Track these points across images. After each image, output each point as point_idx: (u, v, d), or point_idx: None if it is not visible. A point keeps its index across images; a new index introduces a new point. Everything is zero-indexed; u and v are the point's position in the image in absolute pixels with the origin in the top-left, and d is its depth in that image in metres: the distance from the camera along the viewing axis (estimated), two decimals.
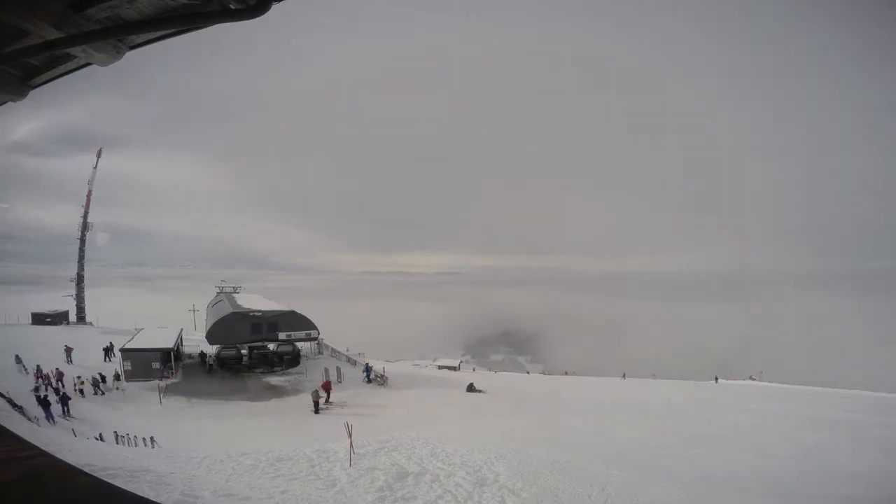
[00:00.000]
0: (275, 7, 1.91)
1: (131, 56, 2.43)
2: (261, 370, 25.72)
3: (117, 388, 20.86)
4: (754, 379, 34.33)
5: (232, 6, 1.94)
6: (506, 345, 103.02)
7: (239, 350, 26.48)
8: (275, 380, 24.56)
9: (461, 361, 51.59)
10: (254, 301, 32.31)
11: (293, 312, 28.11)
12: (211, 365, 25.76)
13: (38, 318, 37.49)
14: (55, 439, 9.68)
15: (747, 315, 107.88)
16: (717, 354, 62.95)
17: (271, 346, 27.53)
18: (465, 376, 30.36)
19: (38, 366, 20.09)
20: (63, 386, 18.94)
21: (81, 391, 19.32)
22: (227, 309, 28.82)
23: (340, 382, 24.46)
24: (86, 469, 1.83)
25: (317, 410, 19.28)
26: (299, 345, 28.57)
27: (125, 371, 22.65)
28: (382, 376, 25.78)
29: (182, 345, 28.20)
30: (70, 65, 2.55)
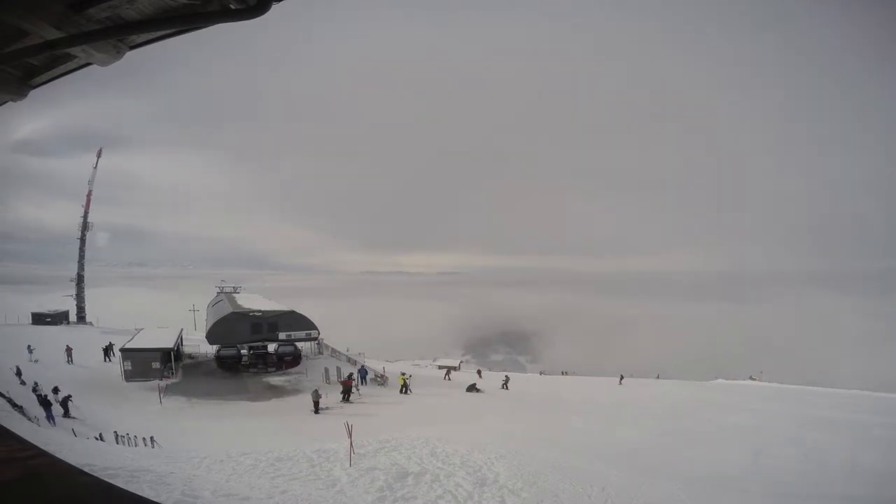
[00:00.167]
0: (275, 7, 1.91)
1: (131, 56, 2.43)
2: (255, 370, 25.71)
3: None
4: (754, 379, 34.30)
5: (232, 6, 1.94)
6: (506, 345, 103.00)
7: (239, 350, 26.50)
8: (275, 380, 24.57)
9: (461, 361, 51.58)
10: (254, 301, 32.34)
11: (293, 312, 28.12)
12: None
13: (38, 318, 37.51)
14: (55, 439, 9.68)
15: (747, 315, 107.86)
16: (717, 354, 62.91)
17: (271, 346, 27.56)
18: (465, 376, 30.35)
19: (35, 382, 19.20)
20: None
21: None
22: (227, 309, 28.84)
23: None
24: (86, 469, 1.83)
25: (317, 410, 19.18)
26: (299, 345, 28.58)
27: (125, 371, 22.67)
28: (382, 376, 25.78)
29: (182, 345, 28.22)
30: (70, 65, 2.55)
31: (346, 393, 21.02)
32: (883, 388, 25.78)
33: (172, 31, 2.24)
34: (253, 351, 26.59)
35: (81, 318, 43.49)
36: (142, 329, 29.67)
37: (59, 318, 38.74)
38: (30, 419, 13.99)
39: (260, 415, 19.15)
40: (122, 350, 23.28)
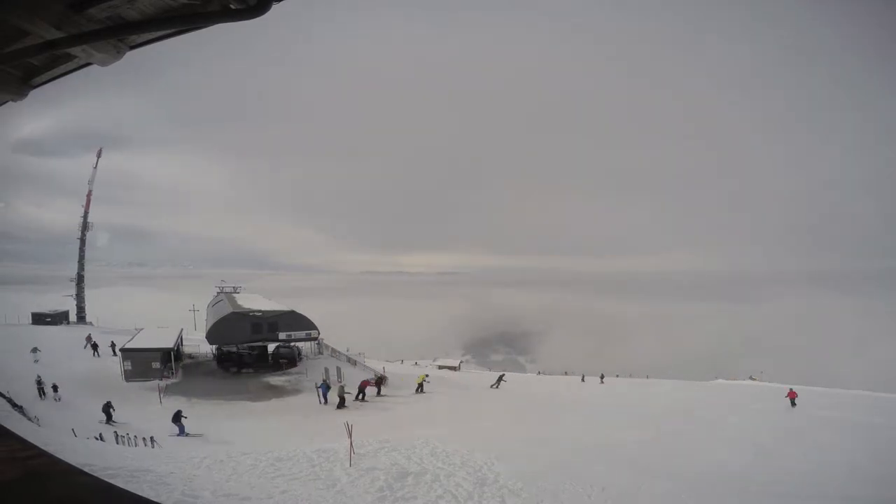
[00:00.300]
0: (275, 7, 1.92)
1: (131, 56, 2.44)
2: (251, 370, 25.73)
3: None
4: (754, 379, 34.35)
5: (232, 6, 1.95)
6: (506, 345, 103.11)
7: (238, 350, 26.50)
8: (275, 380, 24.56)
9: (461, 361, 51.60)
10: (254, 301, 32.34)
11: (293, 312, 28.12)
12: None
13: (38, 318, 37.52)
14: (55, 439, 9.69)
15: (747, 315, 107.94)
16: (717, 354, 62.94)
17: (270, 347, 27.56)
18: (465, 376, 30.35)
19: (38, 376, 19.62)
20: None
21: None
22: (227, 309, 28.84)
23: (341, 382, 24.46)
24: (86, 469, 1.83)
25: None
26: (299, 344, 28.58)
27: (125, 371, 22.68)
28: (382, 376, 25.79)
29: (182, 345, 28.22)
30: (70, 65, 2.55)
31: (361, 392, 21.38)
32: (883, 388, 25.79)
33: (172, 31, 2.24)
34: (250, 351, 26.58)
35: (81, 318, 43.52)
36: (142, 329, 29.68)
37: (59, 318, 38.74)
38: (30, 419, 14.00)
39: (260, 415, 19.15)
40: (122, 350, 23.28)
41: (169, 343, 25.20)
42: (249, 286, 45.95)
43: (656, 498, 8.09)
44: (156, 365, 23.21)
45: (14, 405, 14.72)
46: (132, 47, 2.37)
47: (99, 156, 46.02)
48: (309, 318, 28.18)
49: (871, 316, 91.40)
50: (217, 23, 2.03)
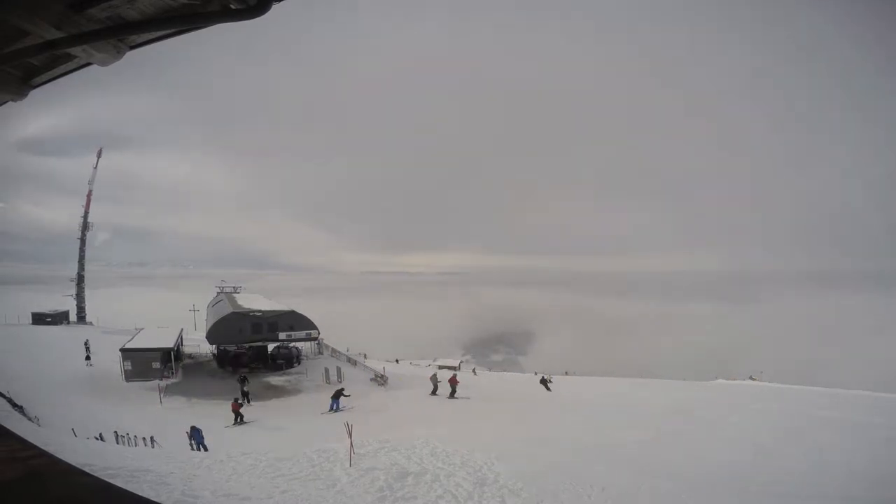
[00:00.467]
0: (275, 7, 1.92)
1: (131, 56, 2.44)
2: (247, 370, 25.74)
3: None
4: (754, 379, 34.30)
5: (232, 6, 1.95)
6: (506, 345, 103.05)
7: (236, 349, 26.50)
8: (275, 380, 24.57)
9: (461, 361, 51.57)
10: (254, 301, 32.36)
11: (293, 312, 28.14)
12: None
13: (38, 318, 37.54)
14: (55, 439, 9.68)
15: (747, 315, 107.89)
16: (717, 354, 62.91)
17: (270, 347, 27.56)
18: (464, 376, 30.32)
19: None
20: None
21: None
22: (227, 309, 28.85)
23: (340, 383, 24.47)
24: (86, 469, 1.83)
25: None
26: (299, 344, 28.58)
27: (125, 371, 22.67)
28: (382, 376, 25.79)
29: (182, 345, 28.22)
30: (70, 65, 2.56)
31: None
32: (883, 388, 25.77)
33: (172, 31, 2.25)
34: (245, 350, 26.56)
35: (81, 318, 43.55)
36: (142, 329, 29.69)
37: (59, 318, 38.76)
38: (30, 419, 13.99)
39: (260, 415, 19.15)
40: (122, 350, 23.29)
41: (169, 343, 25.21)
42: (249, 286, 46.00)
43: (656, 498, 8.08)
44: (156, 365, 23.21)
45: (14, 405, 14.71)
46: (132, 47, 2.37)
47: (99, 156, 46.10)
48: (309, 318, 28.19)
49: (871, 316, 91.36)
50: (217, 23, 2.03)
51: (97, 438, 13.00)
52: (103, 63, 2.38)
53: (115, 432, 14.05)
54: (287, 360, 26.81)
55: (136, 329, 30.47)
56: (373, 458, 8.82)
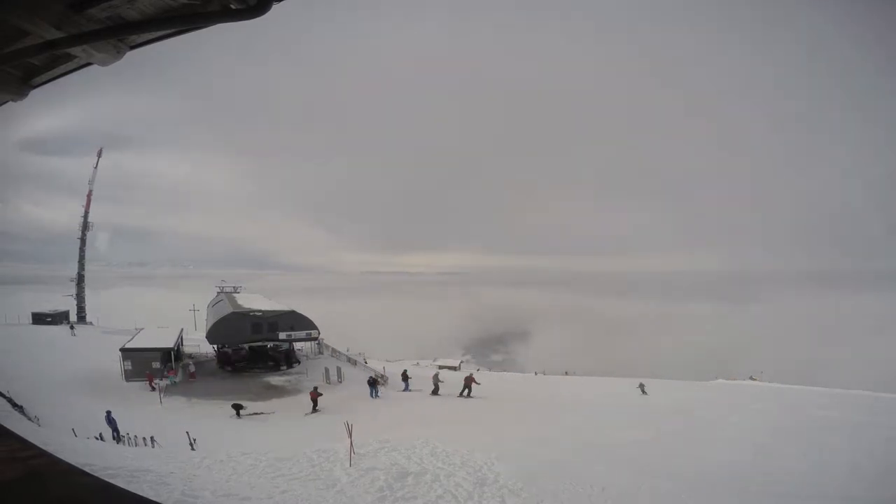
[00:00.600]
0: (275, 7, 1.92)
1: (132, 56, 2.44)
2: (245, 369, 25.71)
3: None
4: (754, 379, 34.31)
5: (232, 6, 1.95)
6: (506, 345, 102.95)
7: (233, 349, 26.48)
8: (275, 380, 24.57)
9: (461, 361, 51.57)
10: (254, 301, 32.36)
11: (293, 312, 28.13)
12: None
13: (39, 318, 37.55)
14: (55, 439, 9.68)
15: (747, 315, 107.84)
16: (717, 354, 62.87)
17: (269, 345, 27.54)
18: (461, 376, 30.30)
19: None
20: None
21: None
22: (227, 309, 28.86)
23: (341, 382, 24.48)
24: (86, 469, 1.83)
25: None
26: (299, 345, 28.56)
27: (125, 371, 22.68)
28: (382, 376, 25.80)
29: (182, 344, 28.22)
30: (70, 65, 2.55)
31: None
32: (883, 388, 25.76)
33: (172, 31, 2.25)
34: (241, 350, 26.53)
35: (82, 317, 43.56)
36: (142, 329, 29.69)
37: (59, 318, 38.77)
38: (30, 419, 14.00)
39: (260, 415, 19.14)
40: (122, 350, 23.29)
41: (169, 343, 25.21)
42: (249, 286, 45.98)
43: (656, 498, 8.08)
44: (156, 365, 23.22)
45: (14, 405, 14.73)
46: (132, 47, 2.37)
47: (99, 156, 46.15)
48: (309, 317, 28.18)
49: (871, 316, 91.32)
50: (217, 23, 2.03)
51: (97, 438, 13.01)
52: (103, 63, 2.38)
53: (115, 433, 14.07)
54: (277, 361, 26.64)
55: (136, 329, 30.47)
56: (373, 458, 8.82)
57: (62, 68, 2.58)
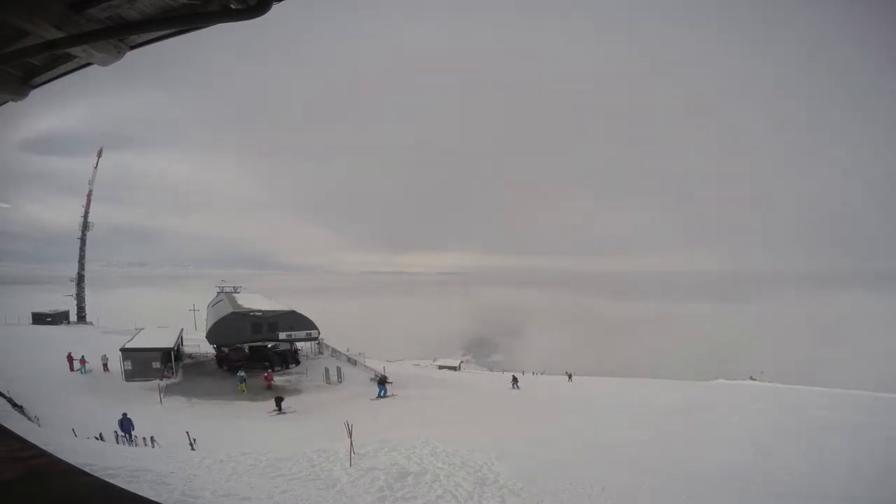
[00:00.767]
0: (275, 7, 1.92)
1: (132, 56, 2.44)
2: (242, 368, 25.67)
3: None
4: (754, 379, 34.33)
5: (232, 6, 1.95)
6: (506, 345, 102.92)
7: (231, 349, 26.45)
8: (275, 379, 24.56)
9: (461, 361, 51.56)
10: (254, 301, 32.35)
11: (293, 312, 28.12)
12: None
13: (39, 318, 37.56)
14: (55, 439, 9.68)
15: (747, 315, 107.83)
16: (717, 354, 62.87)
17: (269, 345, 27.53)
18: (465, 376, 30.34)
19: None
20: None
21: None
22: (227, 309, 28.84)
23: (341, 382, 24.48)
24: (86, 469, 1.83)
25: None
26: (299, 344, 28.54)
27: (125, 371, 22.67)
28: (383, 376, 25.79)
29: (182, 345, 28.21)
30: (70, 65, 2.56)
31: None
32: (883, 388, 25.77)
33: (172, 31, 2.25)
34: (236, 350, 26.50)
35: (82, 317, 43.54)
36: (142, 329, 29.68)
37: (59, 318, 38.77)
38: (30, 419, 14.00)
39: (260, 414, 19.15)
40: (123, 350, 23.28)
41: (169, 343, 25.20)
42: (249, 286, 45.98)
43: (656, 498, 8.08)
44: (156, 365, 23.20)
45: (14, 405, 14.72)
46: (132, 47, 2.37)
47: (99, 156, 46.12)
48: (309, 317, 28.17)
49: (871, 316, 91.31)
50: (217, 23, 2.03)
51: (97, 438, 13.00)
52: (103, 63, 2.38)
53: (115, 432, 14.06)
54: (273, 362, 26.58)
55: (136, 329, 30.46)
56: (373, 458, 8.82)
57: (62, 68, 2.58)
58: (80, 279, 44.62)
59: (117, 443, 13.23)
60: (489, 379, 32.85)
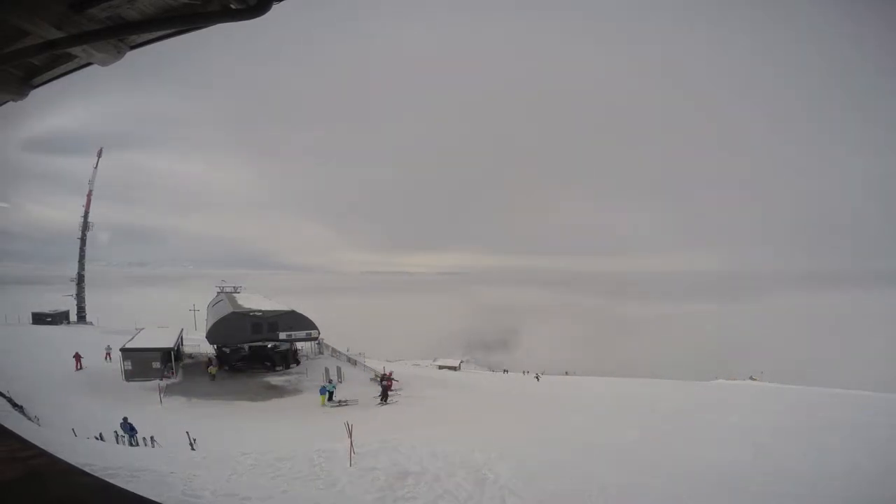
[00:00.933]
0: (275, 7, 1.92)
1: (132, 56, 2.44)
2: (242, 369, 25.64)
3: None
4: (754, 379, 34.34)
5: (232, 6, 1.95)
6: (506, 345, 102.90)
7: (230, 350, 26.45)
8: (275, 380, 24.57)
9: (462, 361, 51.56)
10: (254, 301, 32.32)
11: (293, 312, 28.11)
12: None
13: (39, 318, 37.54)
14: (55, 439, 9.68)
15: (747, 315, 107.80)
16: (717, 354, 62.86)
17: (269, 345, 27.52)
18: (465, 376, 30.34)
19: None
20: None
21: None
22: (227, 309, 28.84)
23: (341, 382, 24.47)
24: (86, 469, 1.83)
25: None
26: (299, 344, 28.53)
27: (125, 371, 22.67)
28: (383, 376, 25.78)
29: (182, 345, 28.21)
30: (71, 64, 2.56)
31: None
32: (883, 388, 25.76)
33: (173, 31, 2.25)
34: (235, 351, 26.48)
35: (82, 317, 43.53)
36: (142, 329, 29.68)
37: (59, 318, 38.75)
38: (30, 419, 13.99)
39: (260, 415, 19.15)
40: (123, 350, 23.29)
41: (169, 343, 25.20)
42: (249, 286, 45.94)
43: (656, 498, 8.08)
44: (156, 365, 23.20)
45: (14, 405, 14.72)
46: (132, 47, 2.37)
47: (99, 155, 46.10)
48: (309, 317, 28.16)
49: (871, 316, 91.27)
50: (217, 23, 2.03)
51: (97, 438, 13.00)
52: (103, 63, 2.38)
53: (115, 432, 14.06)
54: (273, 362, 26.54)
55: (136, 329, 30.45)
56: (373, 458, 8.82)
57: (62, 68, 2.58)
58: (81, 279, 44.61)
59: (117, 443, 13.22)
60: (489, 379, 32.85)
